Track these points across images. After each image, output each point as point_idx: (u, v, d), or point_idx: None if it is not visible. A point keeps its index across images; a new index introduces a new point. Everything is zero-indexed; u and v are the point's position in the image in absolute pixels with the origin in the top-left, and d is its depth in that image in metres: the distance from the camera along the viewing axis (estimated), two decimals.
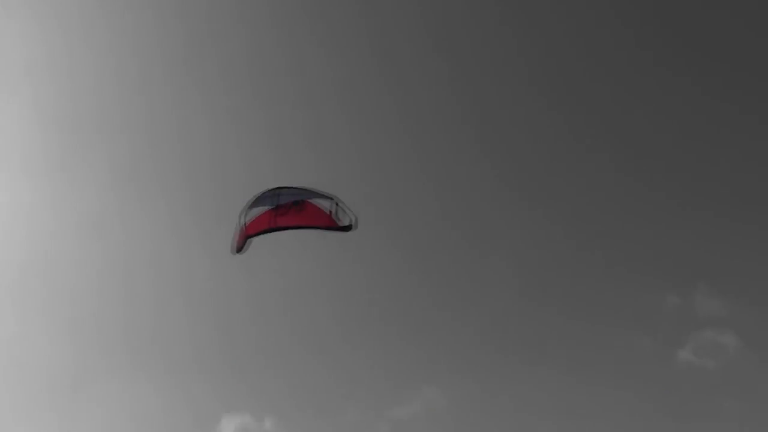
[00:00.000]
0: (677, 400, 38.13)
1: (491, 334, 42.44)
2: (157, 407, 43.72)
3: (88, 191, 44.03)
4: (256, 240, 16.06)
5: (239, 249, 16.00)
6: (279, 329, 46.21)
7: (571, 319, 40.80)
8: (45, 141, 44.40)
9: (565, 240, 42.17)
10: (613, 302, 40.87)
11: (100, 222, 44.29)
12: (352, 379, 45.31)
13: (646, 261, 41.28)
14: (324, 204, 15.87)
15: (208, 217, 42.82)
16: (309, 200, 15.79)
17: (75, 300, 44.77)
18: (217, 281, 44.55)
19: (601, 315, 40.83)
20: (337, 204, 15.77)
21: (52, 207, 44.67)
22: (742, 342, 37.35)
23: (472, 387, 43.02)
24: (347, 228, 15.72)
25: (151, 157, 44.39)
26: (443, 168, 43.33)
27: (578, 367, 39.75)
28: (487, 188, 43.44)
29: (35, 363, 44.80)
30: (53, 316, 45.28)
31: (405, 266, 45.17)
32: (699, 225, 41.16)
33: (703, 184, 42.08)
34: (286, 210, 15.82)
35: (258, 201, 15.86)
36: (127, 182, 44.36)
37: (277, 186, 15.90)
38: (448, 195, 43.60)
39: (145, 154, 44.98)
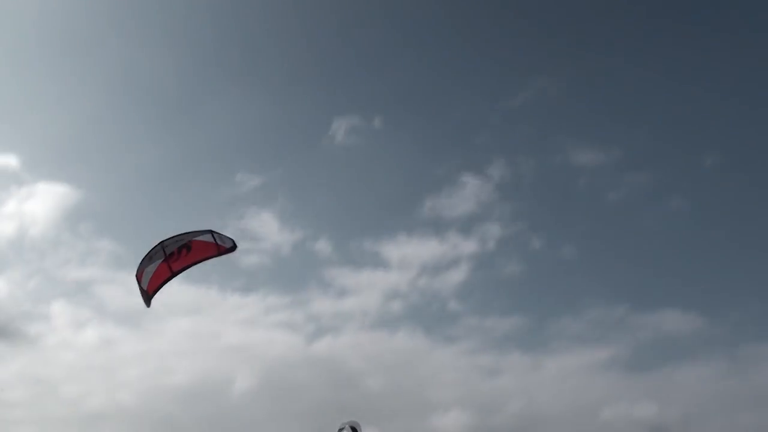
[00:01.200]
0: None
1: (599, 22, 40.87)
2: (273, 114, 43.42)
3: None
4: None
5: (148, 305, 17.67)
6: (385, 29, 44.25)
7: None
8: None
9: None
10: None
11: None
12: (460, 74, 44.10)
13: None
14: (205, 237, 17.35)
15: None
16: (192, 239, 16.81)
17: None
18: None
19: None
20: (213, 233, 17.41)
21: None
22: None
23: (579, 76, 41.69)
24: (232, 248, 17.67)
25: None
26: None
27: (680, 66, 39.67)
28: None
29: (156, 83, 44.14)
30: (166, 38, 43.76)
31: None
32: None
33: None
34: (177, 256, 17.24)
35: (148, 259, 17.40)
36: None
37: (160, 241, 17.41)
38: None
39: None
